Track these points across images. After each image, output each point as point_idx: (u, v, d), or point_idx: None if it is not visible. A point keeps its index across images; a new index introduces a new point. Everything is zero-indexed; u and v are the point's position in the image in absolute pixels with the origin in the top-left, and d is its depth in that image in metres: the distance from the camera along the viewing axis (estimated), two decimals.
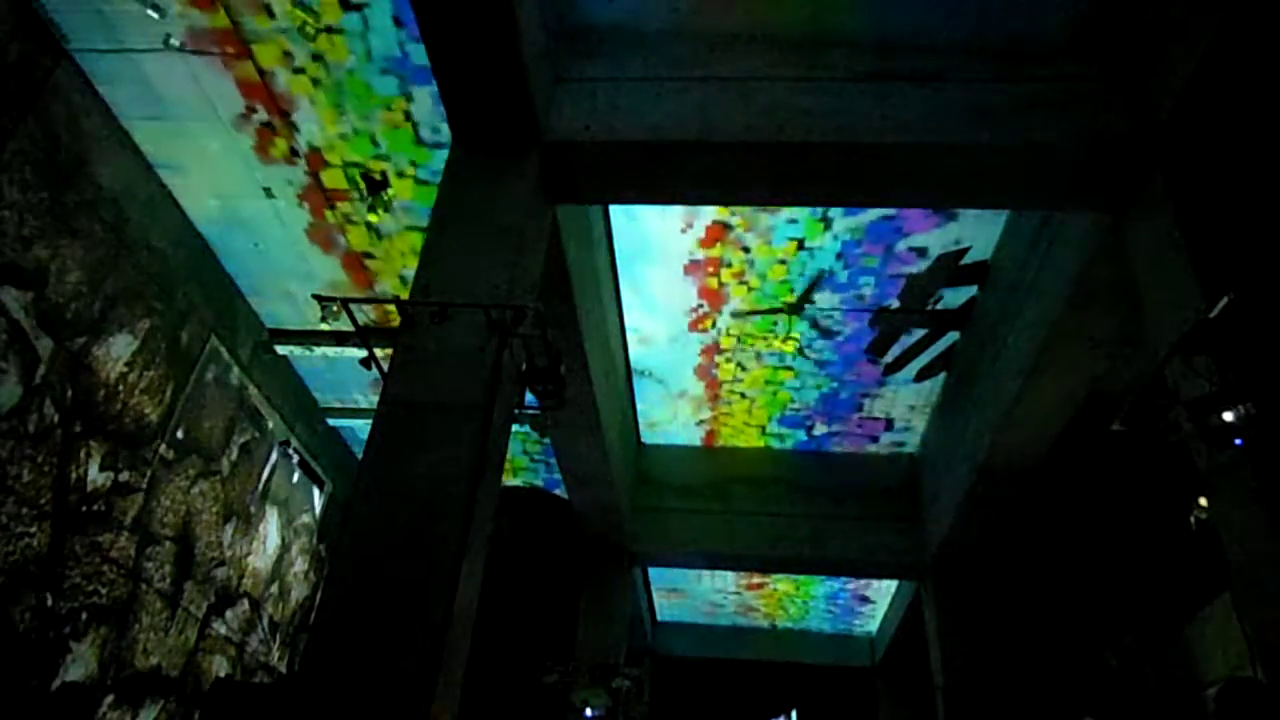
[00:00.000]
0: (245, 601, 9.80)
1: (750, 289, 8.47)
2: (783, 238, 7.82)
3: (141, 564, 7.94)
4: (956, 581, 10.41)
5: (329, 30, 6.24)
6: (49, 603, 6.81)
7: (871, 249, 7.87)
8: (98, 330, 7.20)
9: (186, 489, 8.59)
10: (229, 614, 9.48)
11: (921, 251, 7.84)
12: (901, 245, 7.79)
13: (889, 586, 13.92)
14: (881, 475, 11.01)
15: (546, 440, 10.33)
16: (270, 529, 10.32)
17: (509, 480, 12.04)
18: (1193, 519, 4.69)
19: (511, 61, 5.10)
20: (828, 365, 9.46)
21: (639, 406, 10.64)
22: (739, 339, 9.17)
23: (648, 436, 11.32)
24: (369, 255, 8.34)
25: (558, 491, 12.12)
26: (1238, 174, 4.80)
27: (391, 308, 6.25)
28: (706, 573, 13.87)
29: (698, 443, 11.32)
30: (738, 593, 14.90)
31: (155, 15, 6.14)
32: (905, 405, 10.07)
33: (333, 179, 7.51)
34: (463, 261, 5.12)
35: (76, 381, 7.00)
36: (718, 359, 9.54)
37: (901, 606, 13.16)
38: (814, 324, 8.83)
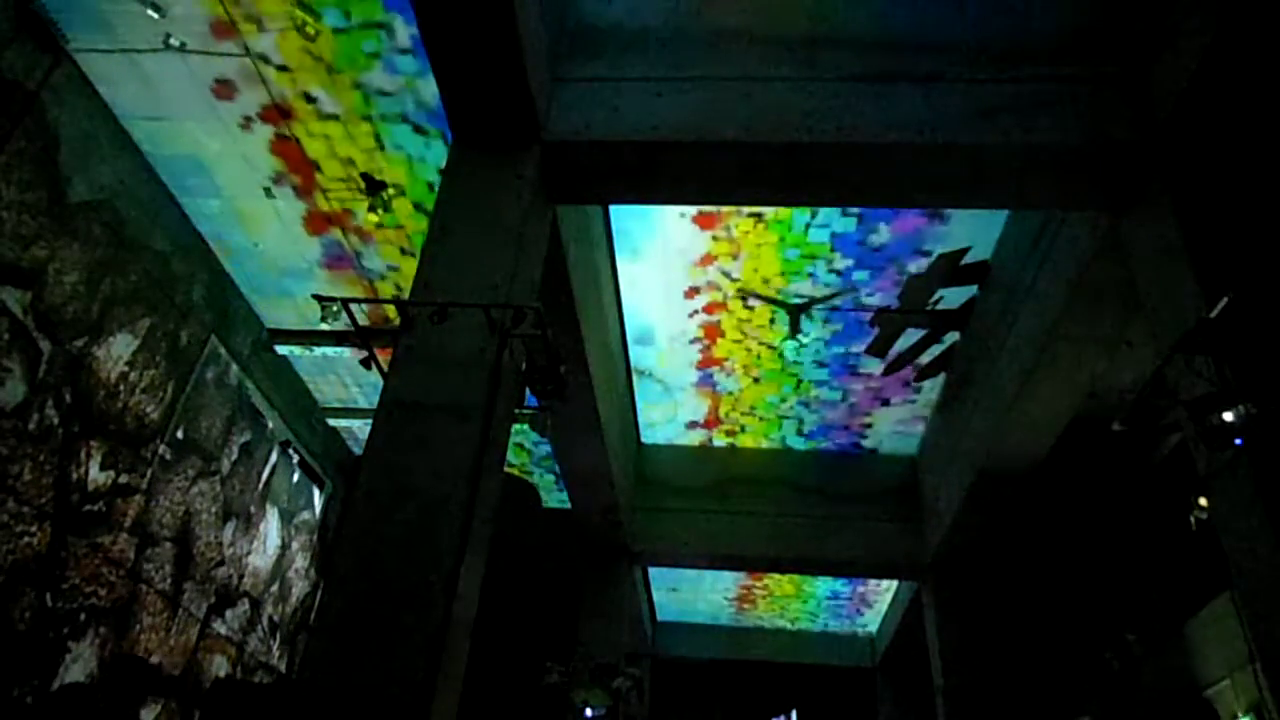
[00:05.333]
0: (245, 601, 9.80)
1: (751, 289, 8.46)
2: (784, 238, 7.81)
3: (141, 564, 7.94)
4: (956, 581, 10.41)
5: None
6: (49, 603, 6.81)
7: (873, 249, 7.87)
8: (97, 330, 7.20)
9: (186, 489, 8.59)
10: (229, 614, 9.47)
11: (924, 251, 7.85)
12: (903, 245, 7.79)
13: (889, 586, 13.92)
14: (881, 475, 11.01)
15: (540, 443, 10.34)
16: (270, 529, 10.32)
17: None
18: (1193, 519, 4.69)
19: (511, 61, 5.10)
20: (828, 365, 9.46)
21: (639, 406, 10.63)
22: (739, 339, 9.17)
23: (648, 436, 11.31)
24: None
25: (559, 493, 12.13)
26: (1237, 174, 4.80)
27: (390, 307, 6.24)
28: (706, 573, 13.86)
29: (698, 443, 11.32)
30: (738, 593, 14.90)
31: (155, 15, 6.13)
32: (905, 405, 10.07)
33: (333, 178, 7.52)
34: (463, 261, 5.12)
35: (76, 381, 7.00)
36: (718, 358, 9.54)
37: (901, 606, 13.16)
38: (814, 324, 8.83)
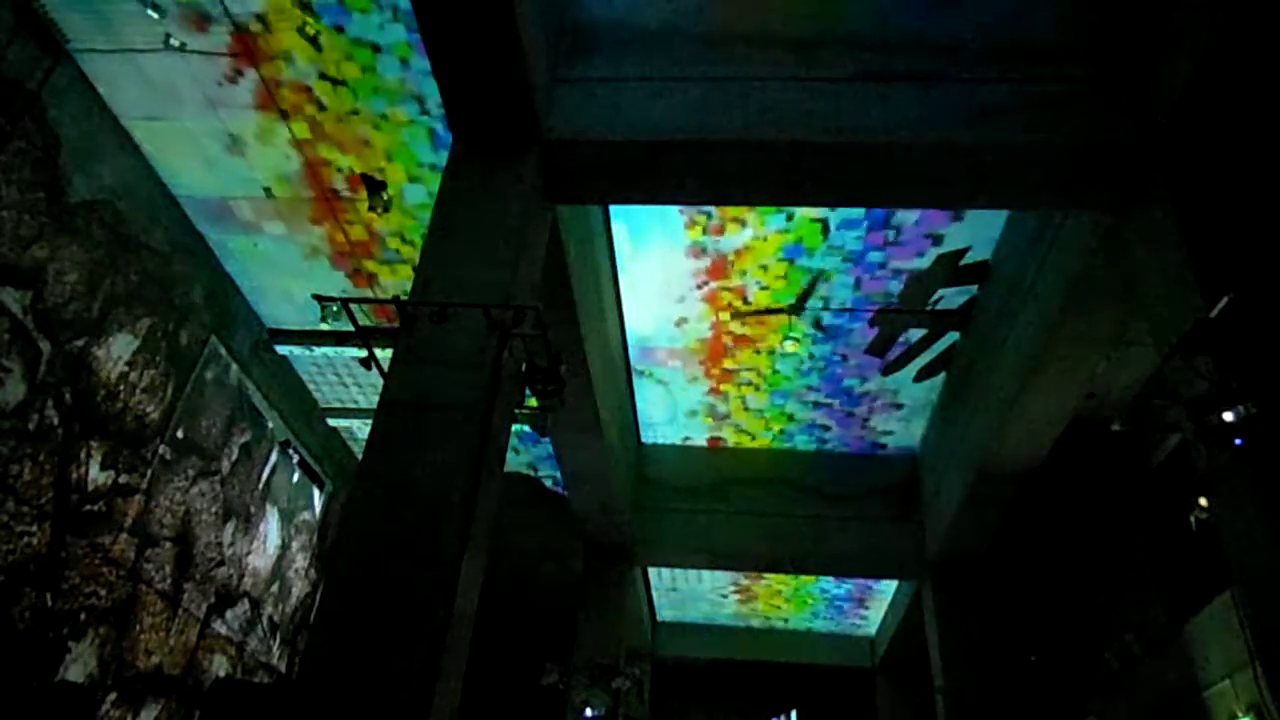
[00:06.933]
0: (245, 601, 9.80)
1: (751, 289, 8.46)
2: (784, 238, 7.81)
3: (141, 564, 7.94)
4: (956, 581, 10.41)
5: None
6: (49, 603, 6.81)
7: (873, 249, 7.87)
8: (97, 331, 7.20)
9: (186, 489, 8.59)
10: (229, 614, 9.48)
11: (923, 251, 7.85)
12: (903, 244, 7.80)
13: (889, 586, 13.91)
14: (881, 475, 11.01)
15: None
16: (270, 529, 10.32)
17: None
18: (1193, 519, 4.69)
19: (511, 61, 5.10)
20: (828, 365, 9.46)
21: (639, 406, 10.63)
22: (739, 339, 9.17)
23: (648, 436, 11.31)
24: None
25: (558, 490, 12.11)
26: (1237, 174, 4.80)
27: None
28: (706, 573, 13.86)
29: (698, 443, 11.32)
30: (738, 593, 14.90)
31: (155, 15, 6.14)
32: (905, 405, 10.07)
33: (333, 178, 7.52)
34: (463, 261, 5.12)
35: (76, 381, 7.00)
36: (718, 358, 9.53)
37: (901, 606, 13.15)
38: (814, 324, 8.83)
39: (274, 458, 10.27)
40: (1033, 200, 6.25)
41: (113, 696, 7.61)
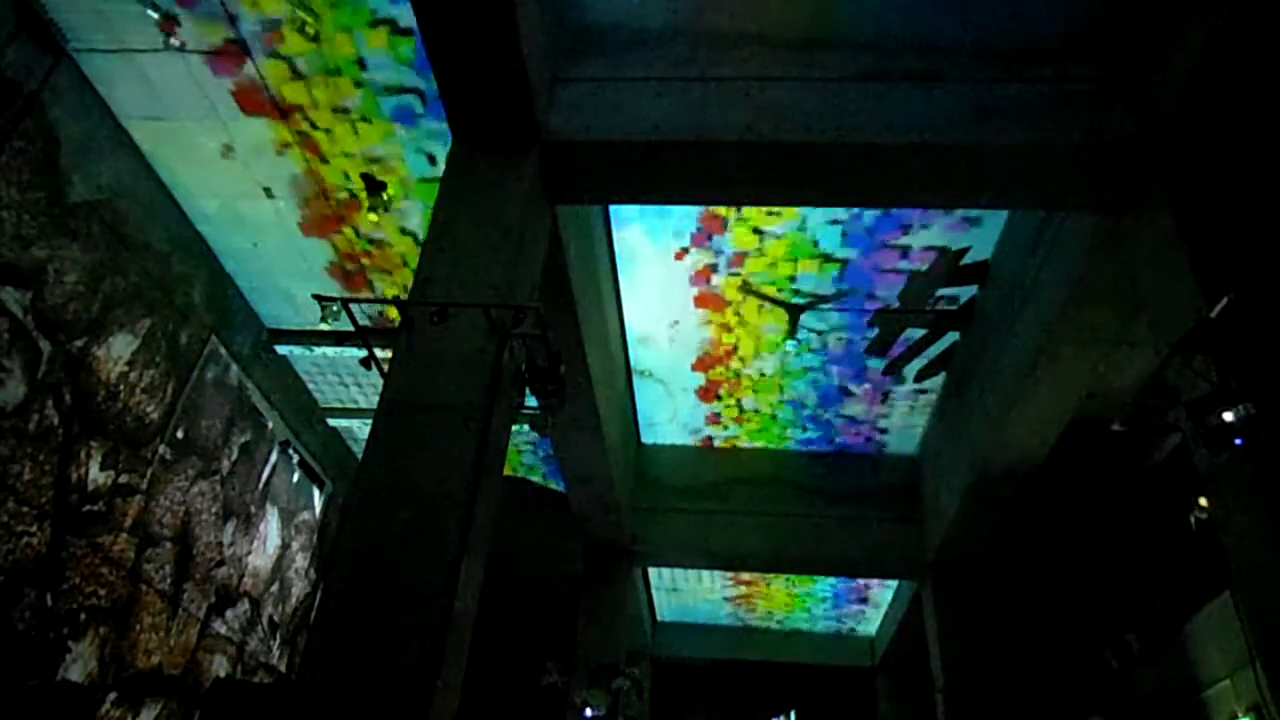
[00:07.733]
0: (245, 601, 9.80)
1: (751, 289, 8.46)
2: (785, 238, 7.81)
3: (141, 564, 7.94)
4: (956, 581, 10.41)
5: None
6: (49, 603, 6.81)
7: (873, 249, 7.87)
8: (97, 330, 7.20)
9: (186, 489, 8.59)
10: (229, 614, 9.47)
11: (924, 251, 7.85)
12: (903, 245, 7.80)
13: (889, 586, 13.92)
14: (881, 475, 11.01)
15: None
16: (270, 529, 10.32)
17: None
18: (1193, 519, 4.69)
19: (511, 60, 5.10)
20: (828, 365, 9.46)
21: (639, 406, 10.63)
22: (740, 339, 9.17)
23: (648, 436, 11.31)
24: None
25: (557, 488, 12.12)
26: (1238, 174, 4.80)
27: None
28: (706, 573, 13.87)
29: (698, 443, 11.32)
30: (737, 593, 14.90)
31: (155, 15, 6.14)
32: (905, 405, 10.07)
33: (333, 178, 7.51)
34: (462, 261, 5.12)
35: (76, 381, 7.00)
36: (718, 358, 9.53)
37: (901, 606, 13.16)
38: (815, 324, 8.83)
39: (274, 458, 10.27)
40: (1033, 200, 6.24)
41: (113, 696, 7.61)
